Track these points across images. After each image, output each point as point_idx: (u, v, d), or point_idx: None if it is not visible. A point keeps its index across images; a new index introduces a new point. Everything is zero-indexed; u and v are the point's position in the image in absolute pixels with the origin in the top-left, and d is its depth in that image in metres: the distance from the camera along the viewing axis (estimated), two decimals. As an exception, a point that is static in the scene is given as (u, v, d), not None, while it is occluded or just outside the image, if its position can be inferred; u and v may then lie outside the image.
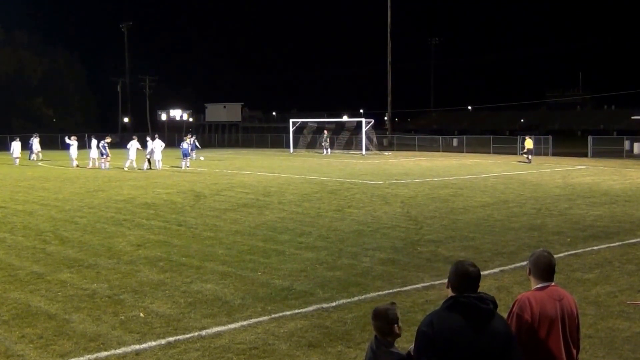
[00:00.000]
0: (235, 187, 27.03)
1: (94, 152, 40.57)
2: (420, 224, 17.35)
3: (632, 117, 60.81)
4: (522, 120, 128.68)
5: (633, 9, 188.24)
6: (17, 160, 43.97)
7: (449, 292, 4.29)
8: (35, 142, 47.90)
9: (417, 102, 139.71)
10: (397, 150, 65.58)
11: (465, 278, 4.24)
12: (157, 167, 37.50)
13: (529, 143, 47.02)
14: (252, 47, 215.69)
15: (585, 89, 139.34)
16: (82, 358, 7.81)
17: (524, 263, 10.45)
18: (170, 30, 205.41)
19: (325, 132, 62.26)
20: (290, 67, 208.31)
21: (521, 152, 47.36)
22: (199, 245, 14.51)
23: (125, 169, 37.34)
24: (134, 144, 38.43)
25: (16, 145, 44.79)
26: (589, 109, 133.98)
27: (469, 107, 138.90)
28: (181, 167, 38.54)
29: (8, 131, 66.26)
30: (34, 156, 47.11)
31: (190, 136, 42.47)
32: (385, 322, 4.69)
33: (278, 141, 75.38)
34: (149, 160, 37.99)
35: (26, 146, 48.72)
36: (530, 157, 46.05)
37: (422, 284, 10.94)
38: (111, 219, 18.37)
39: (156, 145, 37.85)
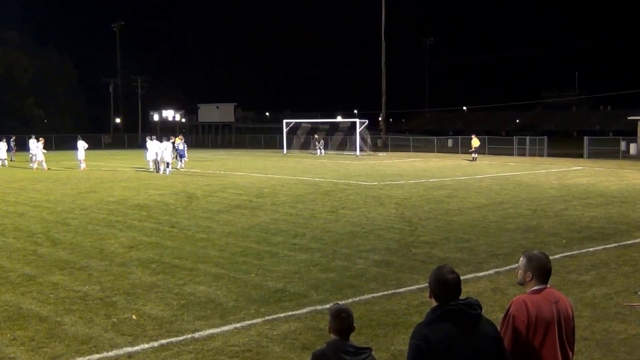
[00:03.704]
0: (228, 189, 26.95)
1: (81, 154, 39.98)
2: (415, 225, 17.30)
3: (629, 118, 60.82)
4: (517, 121, 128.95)
5: (630, 9, 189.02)
6: (6, 162, 43.64)
7: (433, 301, 4.24)
8: (39, 145, 44.26)
9: (412, 103, 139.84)
10: (391, 151, 65.62)
11: (446, 286, 4.20)
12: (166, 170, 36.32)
13: (475, 142, 47.57)
14: (245, 47, 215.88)
15: (581, 90, 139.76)
16: (73, 361, 7.73)
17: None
18: (163, 30, 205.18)
19: (317, 135, 62.29)
20: (284, 67, 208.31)
21: (469, 150, 48.08)
22: (192, 247, 14.43)
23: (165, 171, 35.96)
24: (169, 147, 36.61)
25: (2, 147, 44.43)
26: (585, 110, 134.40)
27: (464, 108, 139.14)
28: (176, 168, 38.39)
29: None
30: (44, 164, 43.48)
31: (181, 137, 41.90)
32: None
33: (271, 142, 75.35)
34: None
35: (25, 148, 48.34)
36: (475, 155, 46.61)
37: (417, 286, 10.87)
38: (103, 221, 18.26)
39: (167, 147, 36.34)
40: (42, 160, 40.13)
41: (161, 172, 35.54)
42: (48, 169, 39.15)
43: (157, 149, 37.18)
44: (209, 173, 35.84)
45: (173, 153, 37.13)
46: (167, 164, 35.76)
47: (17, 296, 10.47)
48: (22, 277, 11.72)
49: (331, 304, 4.90)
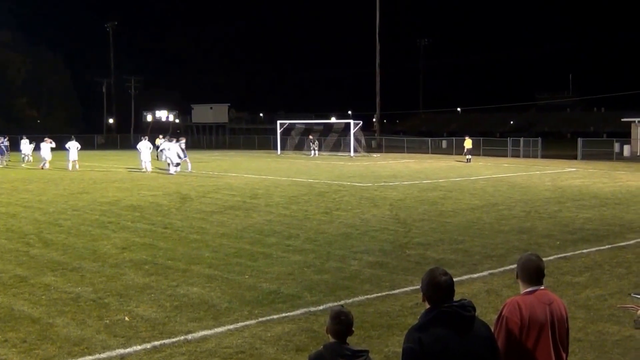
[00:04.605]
0: (222, 190, 26.89)
1: (73, 155, 39.57)
2: (409, 226, 17.28)
3: (622, 120, 60.88)
4: (511, 122, 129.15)
5: (624, 11, 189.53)
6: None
7: (426, 304, 4.22)
8: (45, 146, 41.12)
9: (406, 104, 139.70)
10: (385, 152, 65.62)
11: (438, 288, 4.17)
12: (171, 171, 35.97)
13: (468, 143, 47.66)
14: (238, 47, 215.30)
15: (575, 91, 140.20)
16: (65, 363, 7.68)
17: (514, 266, 10.40)
18: (156, 31, 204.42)
19: (311, 136, 62.30)
20: (278, 67, 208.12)
21: (464, 153, 48.23)
22: (185, 248, 14.37)
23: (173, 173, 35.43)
24: (173, 147, 36.24)
25: None
26: (579, 111, 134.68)
27: (458, 109, 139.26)
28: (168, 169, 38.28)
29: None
30: (47, 164, 40.63)
31: (165, 137, 41.49)
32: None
33: (265, 143, 75.25)
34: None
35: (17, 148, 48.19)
36: (469, 157, 46.68)
37: (411, 287, 10.84)
38: (96, 222, 18.19)
39: (171, 148, 36.10)
40: (47, 160, 39.81)
41: (172, 171, 35.28)
42: (42, 168, 39.01)
43: (149, 149, 37.14)
44: (203, 174, 35.74)
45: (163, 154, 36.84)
46: (176, 164, 35.59)
47: (8, 297, 10.41)
48: (14, 278, 11.65)
49: (334, 305, 4.87)
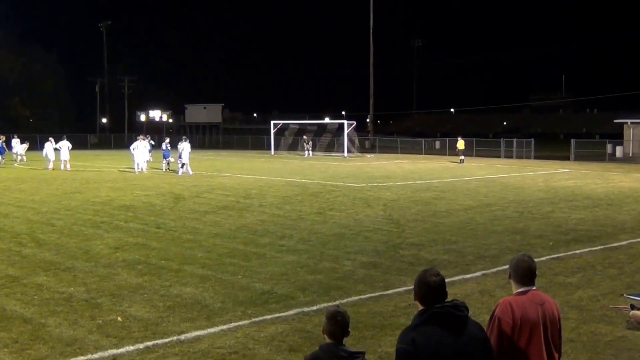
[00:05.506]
0: (216, 190, 26.86)
1: (64, 154, 39.33)
2: (403, 227, 17.28)
3: (615, 121, 61.03)
4: (504, 123, 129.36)
5: (616, 13, 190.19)
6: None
7: (418, 305, 4.22)
8: (49, 147, 40.20)
9: (400, 104, 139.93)
10: (379, 152, 65.65)
11: (429, 289, 4.19)
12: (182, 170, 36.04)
13: (461, 144, 47.90)
14: (233, 47, 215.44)
15: (568, 92, 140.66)
16: (57, 363, 7.66)
17: (507, 267, 10.38)
18: (150, 30, 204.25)
19: (305, 136, 62.27)
20: (272, 68, 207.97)
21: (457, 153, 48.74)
22: (178, 248, 14.35)
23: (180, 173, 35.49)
24: (186, 147, 36.14)
25: None
26: (572, 112, 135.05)
27: (452, 110, 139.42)
28: (162, 170, 38.22)
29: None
30: (51, 164, 39.83)
31: (146, 136, 41.35)
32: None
33: (259, 143, 75.12)
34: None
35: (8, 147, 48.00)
36: (462, 157, 46.94)
37: (404, 288, 10.84)
38: (89, 222, 18.14)
39: (184, 148, 35.90)
40: (52, 160, 39.54)
41: (180, 172, 35.41)
42: (48, 169, 38.80)
43: (147, 150, 37.17)
44: (196, 174, 35.67)
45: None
46: (182, 164, 35.79)
47: (0, 297, 10.37)
48: (6, 278, 11.61)
49: (329, 305, 4.85)
